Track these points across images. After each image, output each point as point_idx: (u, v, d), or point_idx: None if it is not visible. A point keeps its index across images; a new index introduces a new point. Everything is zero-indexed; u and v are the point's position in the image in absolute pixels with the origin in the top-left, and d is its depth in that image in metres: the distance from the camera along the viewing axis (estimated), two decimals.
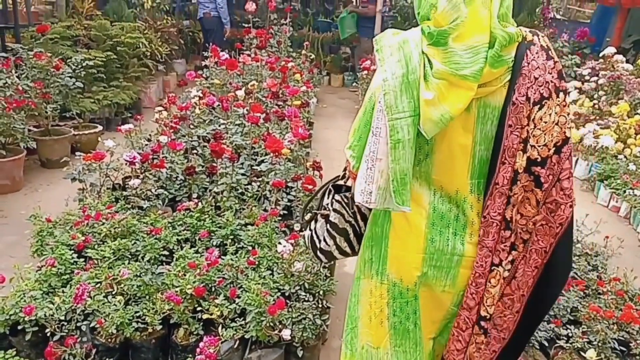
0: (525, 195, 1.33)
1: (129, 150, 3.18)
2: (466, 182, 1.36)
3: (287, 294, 2.15)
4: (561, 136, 1.28)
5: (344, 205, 1.56)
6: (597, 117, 5.11)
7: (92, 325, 1.95)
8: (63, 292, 2.05)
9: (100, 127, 4.51)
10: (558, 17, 9.73)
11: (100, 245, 2.37)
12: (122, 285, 2.06)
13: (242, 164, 3.29)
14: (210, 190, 3.04)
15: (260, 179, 3.16)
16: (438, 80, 1.23)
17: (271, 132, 3.59)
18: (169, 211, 2.97)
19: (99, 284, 2.05)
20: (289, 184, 3.05)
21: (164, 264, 2.32)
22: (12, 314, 1.94)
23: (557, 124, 1.29)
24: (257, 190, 3.00)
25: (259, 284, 2.09)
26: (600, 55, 5.99)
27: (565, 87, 1.29)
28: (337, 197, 1.56)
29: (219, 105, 3.92)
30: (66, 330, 1.95)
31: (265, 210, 2.82)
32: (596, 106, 5.38)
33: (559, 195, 1.32)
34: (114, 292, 2.04)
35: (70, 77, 4.16)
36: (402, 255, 1.42)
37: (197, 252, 2.40)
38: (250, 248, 2.43)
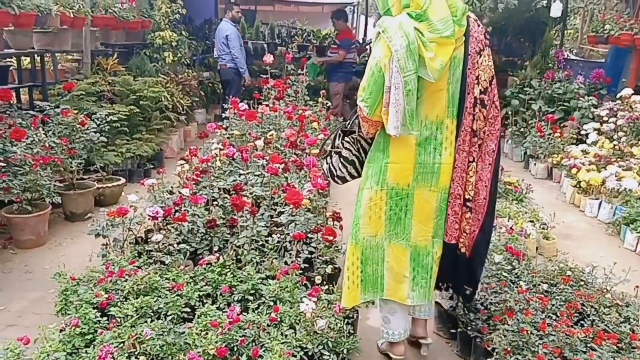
0: (479, 114, 2.09)
1: (151, 204, 3.24)
2: (444, 110, 2.09)
3: (310, 353, 2.11)
4: (491, 73, 2.10)
5: (352, 143, 2.30)
6: (618, 159, 5.05)
7: None
8: (87, 352, 2.05)
9: (123, 180, 4.60)
10: (572, 57, 9.81)
11: (123, 302, 2.37)
12: (145, 346, 2.05)
13: (262, 214, 3.31)
14: (231, 243, 3.05)
15: (280, 228, 3.17)
16: (431, 43, 1.93)
17: (290, 183, 3.63)
18: (190, 265, 2.99)
19: (122, 344, 2.05)
20: (309, 235, 3.05)
21: (186, 321, 2.32)
22: None
23: (489, 66, 2.09)
24: (278, 242, 3.01)
25: (281, 343, 2.06)
26: (618, 96, 5.98)
27: (487, 42, 2.12)
28: (347, 138, 2.31)
29: (239, 155, 3.99)
30: None
31: (286, 263, 2.81)
32: (616, 147, 5.33)
33: (494, 112, 2.13)
34: (136, 353, 2.03)
35: (95, 132, 4.29)
36: (399, 166, 2.13)
37: (218, 308, 2.39)
38: (271, 303, 2.41)
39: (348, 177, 2.36)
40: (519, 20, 9.45)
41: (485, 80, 2.08)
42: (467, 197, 2.14)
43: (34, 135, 3.86)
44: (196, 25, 8.94)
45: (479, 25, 2.09)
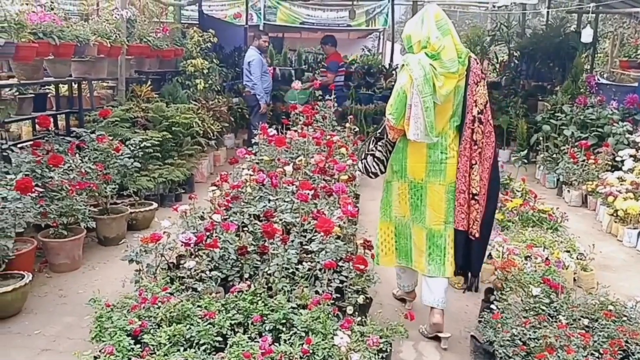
0: (478, 129, 2.75)
1: (183, 230, 3.27)
2: (447, 123, 2.80)
3: None
4: (486, 98, 2.77)
5: (382, 146, 3.01)
6: None
7: None
8: None
9: (155, 205, 4.67)
10: (603, 81, 9.65)
11: (156, 330, 2.38)
12: None
13: (292, 241, 3.30)
14: (261, 270, 3.04)
15: (309, 255, 3.15)
16: (441, 76, 2.63)
17: (320, 209, 3.62)
18: (221, 292, 2.98)
19: None
20: (340, 264, 3.02)
21: (218, 350, 2.30)
22: None
23: (484, 93, 2.76)
24: (308, 270, 2.98)
25: None
26: None
27: (483, 76, 2.81)
28: (379, 143, 3.02)
29: (268, 181, 4.01)
30: None
31: (317, 292, 2.78)
32: None
33: (489, 127, 2.79)
34: None
35: (129, 158, 4.39)
36: (415, 164, 2.86)
37: (250, 337, 2.36)
38: (303, 334, 2.37)
39: (379, 173, 3.07)
40: (548, 45, 9.38)
41: (481, 103, 2.76)
42: (473, 192, 2.78)
43: (71, 161, 3.96)
44: (226, 53, 9.14)
45: (477, 63, 2.81)
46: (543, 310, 2.67)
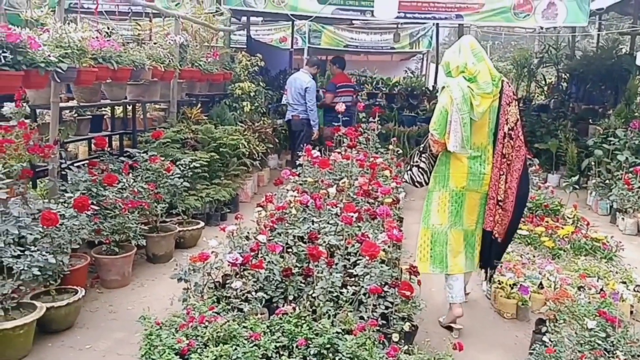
0: (507, 144, 3.15)
1: (229, 249, 3.33)
2: (486, 139, 3.19)
3: None
4: (517, 117, 3.17)
5: (426, 159, 3.39)
6: None
7: None
8: None
9: (202, 223, 4.78)
10: None
11: (203, 349, 2.42)
12: None
13: (336, 264, 3.30)
14: (305, 293, 3.05)
15: (352, 279, 3.14)
16: (478, 96, 3.06)
17: (365, 232, 3.60)
18: (265, 313, 3.01)
19: None
20: (385, 289, 2.99)
21: None
22: None
23: (515, 113, 3.16)
24: (353, 294, 2.97)
25: None
26: None
27: (515, 97, 3.24)
28: (423, 155, 3.41)
29: (312, 203, 4.04)
30: None
31: (362, 318, 2.76)
32: None
33: (519, 142, 3.18)
34: None
35: (179, 178, 4.52)
36: (456, 175, 3.22)
37: None
38: None
39: (423, 183, 3.43)
40: (600, 67, 9.11)
41: (512, 121, 3.16)
42: (499, 199, 3.18)
43: (124, 181, 4.12)
44: (272, 76, 9.35)
45: (509, 86, 3.23)
46: (599, 344, 2.55)
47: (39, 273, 2.91)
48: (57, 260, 3.07)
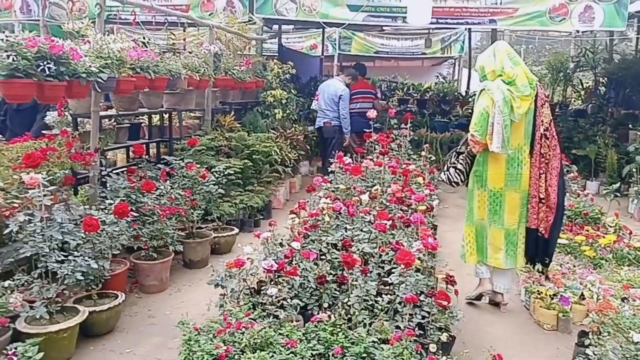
0: (544, 143, 3.36)
1: (264, 256, 3.35)
2: (523, 140, 3.39)
3: None
4: (550, 118, 3.40)
5: (463, 159, 3.58)
6: None
7: None
8: None
9: (236, 230, 4.84)
10: None
11: (240, 355, 2.44)
12: None
13: (370, 272, 3.28)
14: (339, 300, 3.04)
15: (387, 287, 3.11)
16: (517, 98, 3.26)
17: (399, 240, 3.58)
18: (300, 320, 3.01)
19: None
20: (421, 298, 2.95)
21: None
22: None
23: (548, 114, 3.39)
24: (388, 303, 2.94)
25: None
26: None
27: (547, 99, 3.51)
28: (460, 156, 3.60)
29: (345, 210, 4.03)
30: None
31: (398, 327, 2.73)
32: None
33: (554, 142, 3.40)
34: None
35: (214, 184, 4.59)
36: (495, 175, 3.44)
37: None
38: None
39: (460, 182, 3.63)
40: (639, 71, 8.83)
41: (546, 122, 3.37)
42: (541, 197, 3.38)
43: (162, 187, 4.21)
44: (303, 83, 9.41)
45: (541, 88, 3.43)
46: None
47: (81, 278, 3.00)
48: (98, 265, 3.15)
